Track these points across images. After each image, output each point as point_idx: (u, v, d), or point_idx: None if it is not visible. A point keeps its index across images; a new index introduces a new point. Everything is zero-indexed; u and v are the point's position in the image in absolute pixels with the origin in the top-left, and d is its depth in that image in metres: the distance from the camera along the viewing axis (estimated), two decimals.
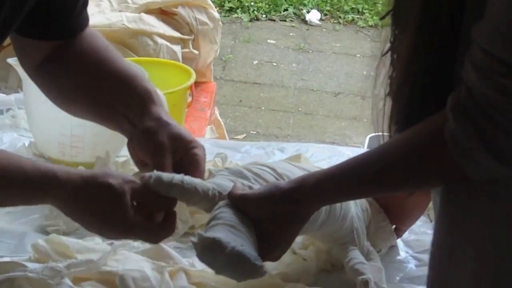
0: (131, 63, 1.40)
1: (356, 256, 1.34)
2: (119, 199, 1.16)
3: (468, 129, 1.00)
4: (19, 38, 1.34)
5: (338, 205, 1.32)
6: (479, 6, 0.99)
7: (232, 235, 1.13)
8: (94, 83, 1.33)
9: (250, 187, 1.24)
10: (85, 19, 1.37)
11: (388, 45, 1.16)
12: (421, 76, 1.10)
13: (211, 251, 1.12)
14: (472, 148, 1.01)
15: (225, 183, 1.24)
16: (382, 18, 1.16)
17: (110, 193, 1.16)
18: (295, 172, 1.31)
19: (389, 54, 1.16)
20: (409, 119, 1.10)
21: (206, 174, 1.30)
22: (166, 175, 1.19)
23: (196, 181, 1.21)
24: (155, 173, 1.19)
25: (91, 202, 1.17)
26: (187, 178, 1.20)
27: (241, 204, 1.19)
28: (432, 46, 1.08)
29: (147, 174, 1.19)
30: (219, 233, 1.13)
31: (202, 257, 1.14)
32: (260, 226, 1.18)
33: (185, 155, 1.27)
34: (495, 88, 0.98)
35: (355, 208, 1.38)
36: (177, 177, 1.20)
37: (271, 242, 1.19)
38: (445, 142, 1.03)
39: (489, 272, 1.07)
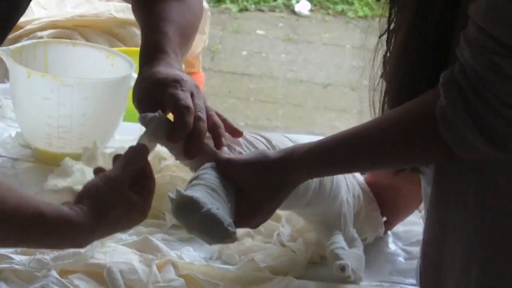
0: None
1: (338, 240, 1.34)
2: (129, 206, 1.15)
3: (458, 105, 1.00)
4: None
5: (328, 184, 1.31)
6: None
7: (210, 198, 1.13)
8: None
9: (241, 153, 1.24)
10: None
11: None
12: (418, 55, 1.10)
13: (186, 209, 1.12)
14: (461, 126, 1.01)
15: None
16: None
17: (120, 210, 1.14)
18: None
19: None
20: (403, 99, 1.10)
21: None
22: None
23: None
24: (157, 116, 1.19)
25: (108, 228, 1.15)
26: None
27: (226, 168, 1.19)
28: (430, 25, 1.08)
29: (151, 114, 1.19)
30: (198, 193, 1.13)
31: (177, 214, 1.14)
32: (242, 192, 1.18)
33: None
34: (488, 66, 0.98)
35: (347, 193, 1.37)
36: None
37: (252, 210, 1.19)
38: (436, 119, 1.02)
39: (479, 258, 1.08)
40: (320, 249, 1.39)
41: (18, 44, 1.71)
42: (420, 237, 1.24)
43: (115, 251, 1.33)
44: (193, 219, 1.11)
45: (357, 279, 1.33)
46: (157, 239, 1.38)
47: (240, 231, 1.38)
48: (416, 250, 1.38)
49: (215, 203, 1.12)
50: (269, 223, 1.41)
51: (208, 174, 1.18)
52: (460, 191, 1.09)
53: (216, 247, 1.38)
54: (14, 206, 1.06)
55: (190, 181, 1.18)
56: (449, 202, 1.11)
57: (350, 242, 1.36)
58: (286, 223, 1.43)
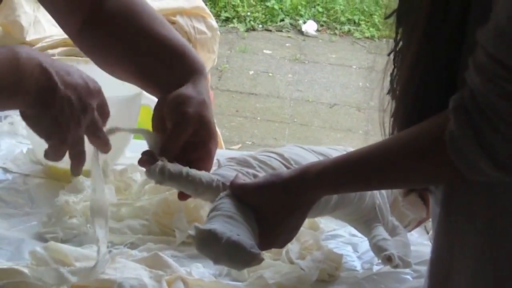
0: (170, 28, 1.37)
1: (379, 232, 1.35)
2: None
3: (468, 131, 1.01)
4: (53, 4, 1.33)
5: None
6: (485, 9, 1.00)
7: (229, 225, 1.14)
8: (137, 50, 1.32)
9: (255, 175, 1.26)
10: None
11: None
12: (427, 77, 1.10)
13: (207, 243, 1.13)
14: (470, 151, 1.01)
15: (229, 173, 1.25)
16: (387, 18, 1.17)
17: None
18: (305, 156, 1.32)
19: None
20: (412, 119, 1.11)
21: (215, 166, 1.31)
22: (172, 166, 1.20)
23: (200, 173, 1.23)
24: (160, 164, 1.20)
25: None
26: (192, 170, 1.22)
27: (241, 194, 1.20)
28: (439, 47, 1.09)
29: (153, 165, 1.20)
30: (215, 225, 1.14)
31: (200, 249, 1.14)
32: (261, 215, 1.19)
33: (201, 143, 1.26)
34: (498, 93, 0.98)
35: None
36: (183, 169, 1.21)
37: (273, 231, 1.20)
38: (445, 142, 1.04)
39: (488, 279, 1.08)
40: (328, 266, 1.40)
41: None
42: (427, 257, 1.25)
43: (125, 267, 1.33)
44: (216, 250, 1.12)
45: (406, 265, 1.33)
46: (166, 256, 1.39)
47: None
48: (424, 269, 1.39)
49: (234, 230, 1.13)
50: None
51: (224, 203, 1.19)
52: (469, 213, 1.10)
53: None
54: None
55: (208, 214, 1.19)
56: (457, 223, 1.12)
57: (392, 231, 1.37)
58: (295, 241, 1.43)
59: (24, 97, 1.14)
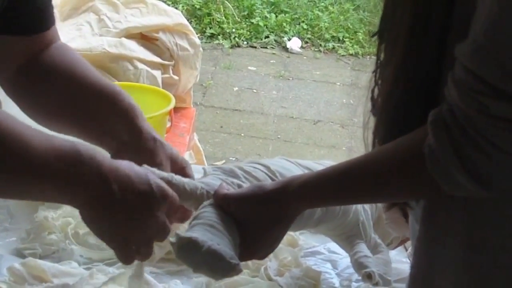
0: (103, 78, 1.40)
1: (361, 249, 1.35)
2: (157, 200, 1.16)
3: (446, 145, 1.02)
4: None
5: None
6: (465, 25, 1.01)
7: (210, 234, 1.15)
8: (73, 100, 1.34)
9: (240, 186, 1.26)
10: (53, 17, 1.36)
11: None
12: (406, 92, 1.11)
13: (188, 251, 1.13)
14: (448, 165, 1.02)
15: (214, 182, 1.26)
16: (373, 36, 1.18)
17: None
18: (291, 169, 1.32)
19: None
20: (392, 135, 1.11)
21: (201, 174, 1.34)
22: (157, 172, 1.22)
23: (185, 180, 1.24)
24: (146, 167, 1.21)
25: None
26: (176, 177, 1.23)
27: (224, 204, 1.21)
28: (419, 62, 1.10)
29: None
30: (196, 233, 1.15)
31: (180, 257, 1.15)
32: (243, 226, 1.20)
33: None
34: (475, 107, 0.99)
35: None
36: (166, 175, 1.22)
37: (255, 242, 1.20)
38: (424, 156, 1.04)
39: None
40: (307, 283, 1.40)
41: None
42: (406, 274, 1.25)
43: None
44: (196, 258, 1.13)
45: (386, 284, 1.34)
46: (145, 272, 1.39)
47: None
48: (403, 286, 1.39)
49: (214, 239, 1.14)
50: None
51: (207, 212, 1.20)
52: (448, 228, 1.10)
53: (203, 280, 1.39)
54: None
55: (190, 222, 1.20)
56: (437, 238, 1.12)
57: (374, 249, 1.37)
58: (273, 258, 1.44)
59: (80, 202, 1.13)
